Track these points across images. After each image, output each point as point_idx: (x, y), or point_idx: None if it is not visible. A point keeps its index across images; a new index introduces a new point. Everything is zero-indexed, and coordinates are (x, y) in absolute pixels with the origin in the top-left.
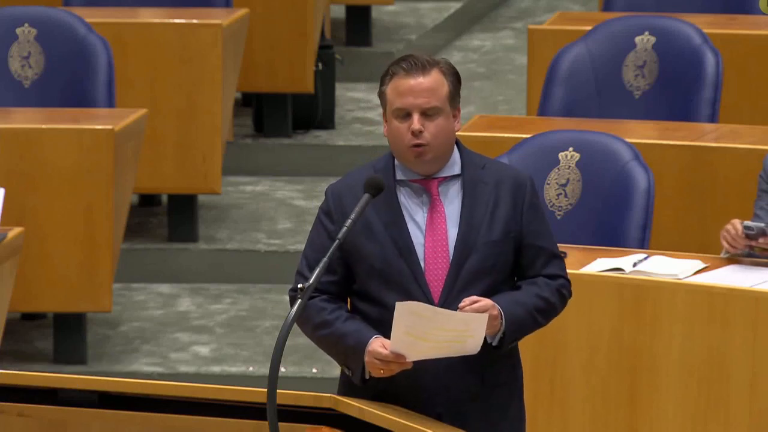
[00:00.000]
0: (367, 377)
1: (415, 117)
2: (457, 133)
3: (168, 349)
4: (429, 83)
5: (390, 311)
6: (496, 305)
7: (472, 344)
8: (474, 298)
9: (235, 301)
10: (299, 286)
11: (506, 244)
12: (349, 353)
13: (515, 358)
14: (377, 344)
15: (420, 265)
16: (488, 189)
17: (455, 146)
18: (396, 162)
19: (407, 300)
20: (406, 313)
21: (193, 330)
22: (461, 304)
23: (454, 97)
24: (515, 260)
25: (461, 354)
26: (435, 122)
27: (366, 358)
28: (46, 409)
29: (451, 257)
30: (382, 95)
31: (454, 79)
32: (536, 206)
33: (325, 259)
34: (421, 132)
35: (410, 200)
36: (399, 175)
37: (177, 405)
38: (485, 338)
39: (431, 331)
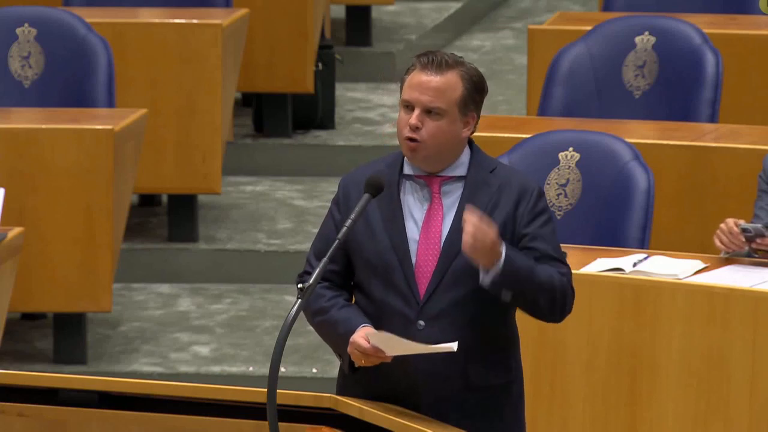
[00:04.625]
0: (357, 366)
1: (416, 112)
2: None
3: (168, 349)
4: (439, 83)
5: (381, 306)
6: (501, 242)
7: (448, 348)
8: (479, 214)
9: (235, 301)
10: (299, 286)
11: None
12: (339, 341)
13: (509, 361)
14: (359, 335)
15: (411, 260)
16: (490, 192)
17: (468, 148)
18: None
19: (394, 294)
20: (377, 336)
21: (193, 330)
22: (466, 212)
23: (467, 103)
24: None
25: (439, 351)
26: (436, 123)
27: (348, 348)
28: (46, 409)
29: (440, 255)
30: (401, 83)
31: (472, 86)
32: (539, 212)
33: (325, 259)
34: (417, 128)
35: (412, 196)
36: (406, 170)
37: (177, 405)
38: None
39: (405, 345)
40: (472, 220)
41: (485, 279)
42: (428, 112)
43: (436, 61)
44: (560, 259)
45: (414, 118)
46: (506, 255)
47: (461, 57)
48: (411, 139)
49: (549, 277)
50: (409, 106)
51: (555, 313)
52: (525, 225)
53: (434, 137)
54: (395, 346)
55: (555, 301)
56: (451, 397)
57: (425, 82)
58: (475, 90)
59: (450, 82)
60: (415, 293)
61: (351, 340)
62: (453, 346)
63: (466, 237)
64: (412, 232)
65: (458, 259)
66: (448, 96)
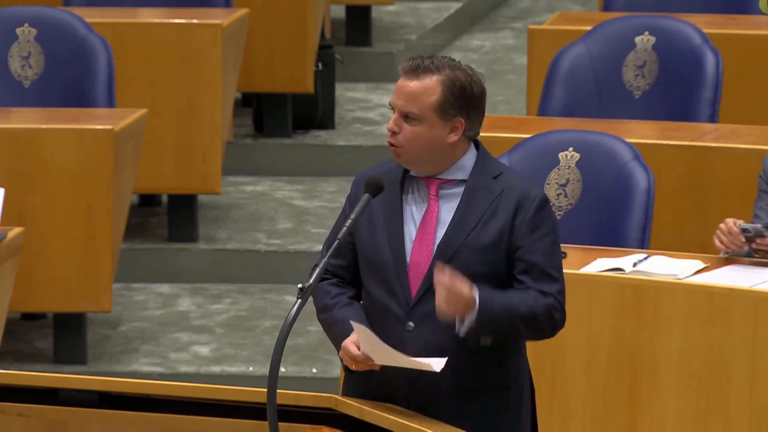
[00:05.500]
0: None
1: (393, 116)
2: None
3: (168, 349)
4: (414, 88)
5: (374, 304)
6: (474, 290)
7: (435, 365)
8: (449, 274)
9: (235, 301)
10: (299, 286)
11: (494, 254)
12: (337, 340)
13: (505, 365)
14: (350, 341)
15: (405, 260)
16: (490, 197)
17: (474, 152)
18: None
19: (388, 293)
20: (362, 331)
21: (193, 330)
22: (437, 272)
23: (446, 108)
24: (507, 274)
25: (425, 369)
26: (412, 128)
27: (340, 353)
28: (46, 409)
29: (432, 257)
30: None
31: (454, 91)
32: (539, 223)
33: (325, 259)
34: (394, 133)
35: (413, 196)
36: (412, 171)
37: (177, 405)
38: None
39: (389, 353)
40: (442, 281)
41: (461, 329)
42: (406, 116)
43: (414, 66)
44: (552, 275)
45: (391, 121)
46: (480, 302)
47: (455, 61)
48: (390, 143)
49: (530, 309)
50: (393, 110)
51: (544, 336)
52: (522, 236)
53: (411, 141)
54: (383, 354)
55: (540, 327)
56: (443, 398)
57: (403, 86)
58: (458, 95)
59: (426, 87)
60: (407, 294)
61: (342, 345)
62: (438, 365)
63: (439, 299)
64: (410, 232)
65: (451, 263)
66: (422, 101)
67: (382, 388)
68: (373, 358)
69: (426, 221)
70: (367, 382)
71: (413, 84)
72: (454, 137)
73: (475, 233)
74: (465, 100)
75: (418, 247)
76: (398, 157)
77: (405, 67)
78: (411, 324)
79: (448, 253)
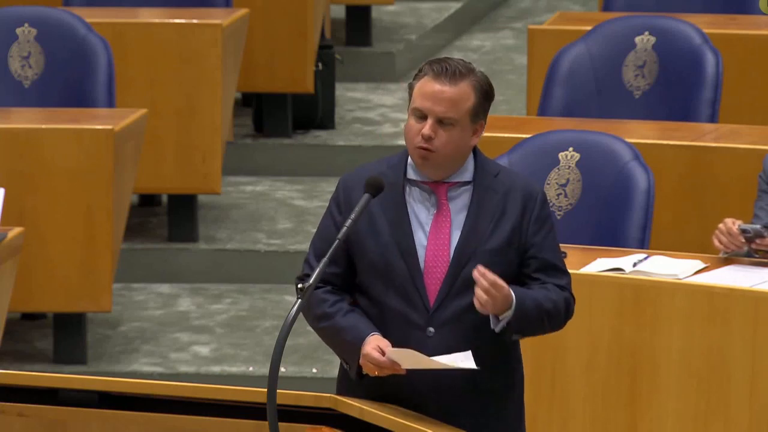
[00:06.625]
0: (364, 373)
1: (429, 122)
2: None
3: (168, 349)
4: (452, 94)
5: (386, 311)
6: (510, 289)
7: (467, 363)
8: (488, 274)
9: (235, 301)
10: (299, 286)
11: (508, 254)
12: (346, 348)
13: (512, 360)
14: (371, 347)
15: (420, 267)
16: (497, 198)
17: (471, 154)
18: (409, 160)
19: (400, 298)
20: (394, 351)
21: (193, 330)
22: (477, 272)
23: (478, 113)
24: (519, 272)
25: (456, 368)
26: (448, 132)
27: (360, 361)
28: (46, 409)
29: (450, 262)
30: (410, 88)
31: (483, 95)
32: (544, 220)
33: (325, 260)
34: (430, 138)
35: (418, 201)
36: (410, 174)
37: (177, 405)
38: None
39: (417, 357)
40: (486, 278)
41: (497, 326)
42: (441, 122)
43: (450, 71)
44: (562, 269)
45: (428, 128)
46: (516, 301)
47: (471, 63)
48: (423, 148)
49: (554, 305)
50: (421, 115)
51: (558, 328)
52: (532, 235)
53: (446, 146)
54: (412, 360)
55: (559, 321)
56: (459, 402)
57: (439, 92)
58: (485, 99)
59: (463, 92)
60: (425, 300)
61: (363, 353)
62: (470, 363)
63: (481, 294)
64: (419, 237)
65: (468, 266)
66: (460, 107)
67: (398, 393)
68: (400, 362)
69: (439, 226)
70: (377, 387)
71: (452, 90)
72: (475, 140)
73: (489, 235)
74: (488, 103)
75: (431, 253)
76: (427, 160)
77: (437, 70)
78: (431, 330)
79: (466, 258)
